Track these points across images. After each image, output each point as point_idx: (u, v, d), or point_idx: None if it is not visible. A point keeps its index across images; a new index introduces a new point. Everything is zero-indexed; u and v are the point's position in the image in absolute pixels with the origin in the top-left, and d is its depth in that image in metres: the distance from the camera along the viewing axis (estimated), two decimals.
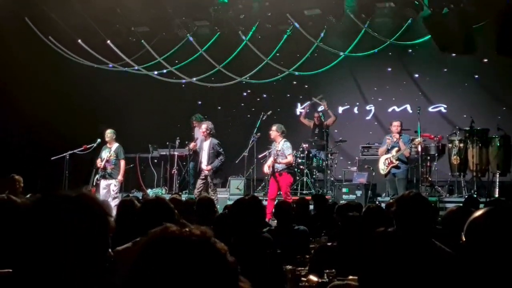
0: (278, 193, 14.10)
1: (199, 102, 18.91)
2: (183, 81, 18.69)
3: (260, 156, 14.72)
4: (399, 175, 14.49)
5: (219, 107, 18.98)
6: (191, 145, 14.95)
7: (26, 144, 17.09)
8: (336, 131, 17.69)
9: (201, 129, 14.46)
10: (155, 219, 4.50)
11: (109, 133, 14.90)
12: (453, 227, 5.24)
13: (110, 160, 14.67)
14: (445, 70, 16.95)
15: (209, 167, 14.07)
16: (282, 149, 13.96)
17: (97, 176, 14.88)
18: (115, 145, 14.86)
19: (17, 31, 17.00)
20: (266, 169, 14.32)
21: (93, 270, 2.20)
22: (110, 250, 2.40)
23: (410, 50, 17.28)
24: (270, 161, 14.13)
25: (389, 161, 14.55)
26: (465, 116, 15.47)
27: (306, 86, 18.60)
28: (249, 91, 18.69)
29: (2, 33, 16.52)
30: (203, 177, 14.30)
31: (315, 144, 16.52)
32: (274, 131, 14.10)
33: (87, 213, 2.18)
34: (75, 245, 2.11)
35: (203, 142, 14.42)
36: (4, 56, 16.39)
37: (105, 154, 14.76)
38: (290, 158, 14.13)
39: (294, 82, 18.54)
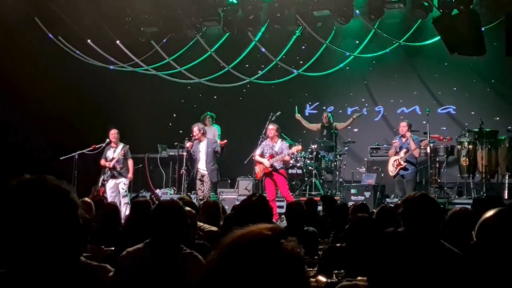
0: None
1: (207, 105, 18.89)
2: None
3: (254, 154, 14.60)
4: (407, 177, 14.44)
5: (228, 108, 18.98)
6: (188, 144, 14.93)
7: (36, 144, 17.13)
8: (344, 130, 17.71)
9: (194, 132, 14.42)
10: (168, 222, 4.52)
11: (115, 133, 14.89)
12: (458, 228, 5.24)
13: (119, 160, 14.69)
14: (455, 71, 16.90)
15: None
16: (281, 149, 13.94)
17: (103, 176, 14.88)
18: (121, 145, 14.87)
19: (27, 31, 17.05)
20: (257, 169, 14.28)
21: (64, 248, 2.24)
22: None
23: (419, 51, 17.23)
24: (268, 162, 13.96)
25: (398, 163, 14.52)
26: (474, 117, 15.44)
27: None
28: (257, 91, 18.66)
29: (12, 33, 16.58)
30: (200, 177, 14.35)
31: (324, 145, 16.51)
32: (274, 130, 14.06)
33: (50, 192, 2.22)
34: (42, 224, 2.16)
35: (198, 145, 14.42)
36: (13, 56, 16.43)
37: (111, 153, 14.76)
38: (288, 158, 14.13)
39: (303, 83, 18.52)
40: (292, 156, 14.85)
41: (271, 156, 13.89)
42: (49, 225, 2.19)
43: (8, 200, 2.20)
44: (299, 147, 14.37)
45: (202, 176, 14.31)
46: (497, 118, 15.87)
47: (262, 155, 14.06)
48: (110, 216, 7.69)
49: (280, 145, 14.03)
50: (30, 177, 2.28)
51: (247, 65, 18.21)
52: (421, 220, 4.45)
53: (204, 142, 14.33)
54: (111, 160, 14.65)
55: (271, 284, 1.65)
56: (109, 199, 14.11)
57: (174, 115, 19.26)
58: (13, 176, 2.32)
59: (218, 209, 8.50)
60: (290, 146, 14.37)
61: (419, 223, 4.43)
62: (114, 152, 14.74)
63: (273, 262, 1.67)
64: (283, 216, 9.80)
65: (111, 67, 18.38)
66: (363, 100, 18.40)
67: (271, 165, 13.84)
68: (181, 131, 16.91)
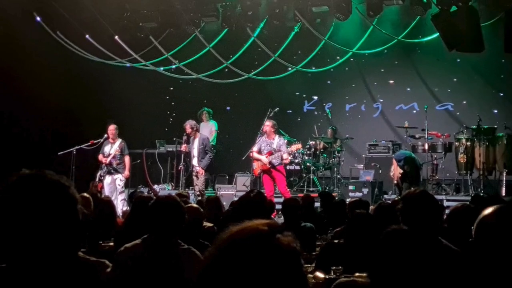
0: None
1: (205, 101, 18.84)
2: (185, 77, 18.69)
3: (251, 151, 14.55)
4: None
5: (226, 104, 18.97)
6: (183, 147, 14.97)
7: (34, 139, 17.11)
8: (343, 126, 17.73)
9: (187, 129, 14.42)
10: (166, 217, 4.52)
11: (113, 129, 14.84)
12: (458, 225, 5.24)
13: (116, 156, 14.67)
14: (453, 68, 16.90)
15: (200, 169, 14.16)
16: (279, 145, 13.92)
17: (100, 172, 14.86)
18: (119, 141, 14.83)
19: (26, 26, 17.00)
20: (255, 166, 14.26)
21: (63, 242, 2.24)
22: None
23: (418, 48, 17.23)
24: (267, 159, 13.91)
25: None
26: (472, 114, 15.44)
27: (325, 82, 18.61)
28: (256, 87, 18.64)
29: (11, 27, 16.53)
30: (195, 173, 14.35)
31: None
32: (270, 127, 13.98)
33: (49, 187, 2.23)
34: (43, 220, 2.17)
35: (193, 141, 14.42)
36: (12, 50, 16.40)
37: (108, 149, 14.73)
38: (287, 156, 14.07)
39: (301, 79, 18.50)
40: (291, 154, 14.81)
41: (270, 153, 13.84)
42: (48, 220, 2.20)
43: (8, 195, 2.20)
44: (299, 145, 14.36)
45: (197, 172, 14.34)
46: (495, 115, 15.86)
47: (259, 152, 14.01)
48: (106, 212, 7.71)
49: (278, 141, 13.97)
50: (29, 172, 2.28)
51: (245, 61, 18.18)
52: (420, 216, 4.45)
53: (197, 139, 14.32)
54: (108, 156, 14.64)
55: (269, 278, 1.65)
56: (107, 194, 14.18)
57: (172, 111, 19.23)
58: (11, 171, 2.32)
59: (220, 204, 8.65)
60: (289, 143, 14.35)
61: (418, 219, 4.43)
62: (112, 148, 14.72)
63: (269, 257, 1.67)
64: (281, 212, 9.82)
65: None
66: (361, 96, 18.39)
67: (270, 162, 13.80)
68: (179, 127, 16.89)
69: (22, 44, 16.57)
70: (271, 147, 13.87)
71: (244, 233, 1.74)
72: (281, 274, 1.67)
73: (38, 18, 17.49)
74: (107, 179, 14.68)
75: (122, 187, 14.76)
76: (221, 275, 1.67)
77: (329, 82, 18.43)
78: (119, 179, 14.72)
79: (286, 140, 14.37)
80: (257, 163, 14.13)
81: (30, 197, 2.19)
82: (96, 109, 17.62)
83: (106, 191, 14.45)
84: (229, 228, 1.79)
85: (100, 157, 14.75)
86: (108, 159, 14.59)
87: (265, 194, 12.64)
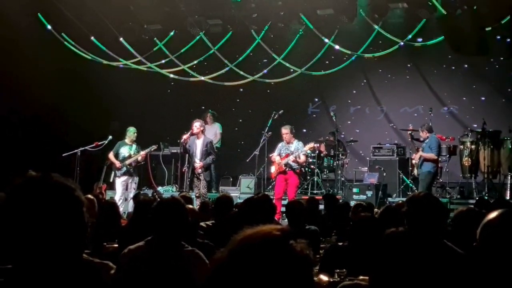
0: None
1: (211, 101, 18.83)
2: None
3: (270, 155, 14.58)
4: (421, 176, 14.18)
5: (231, 106, 18.97)
6: (185, 136, 14.72)
7: (38, 141, 17.13)
8: (347, 129, 17.71)
9: (195, 126, 14.26)
10: (169, 219, 4.52)
11: (134, 132, 15.01)
12: (463, 228, 5.23)
13: (135, 160, 14.81)
14: (458, 71, 16.88)
15: (201, 163, 14.05)
16: (297, 149, 13.94)
17: (115, 172, 14.88)
18: (135, 144, 14.95)
19: (30, 27, 17.04)
20: (273, 169, 14.27)
21: (71, 247, 2.25)
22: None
23: (423, 51, 17.20)
24: (283, 161, 13.94)
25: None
26: (477, 117, 15.42)
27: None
28: (260, 90, 18.65)
29: (16, 28, 16.56)
30: (197, 174, 14.26)
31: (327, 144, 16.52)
32: (289, 134, 14.03)
33: (55, 190, 2.24)
34: (49, 223, 2.18)
35: (196, 140, 14.26)
36: (16, 52, 16.42)
37: (124, 150, 14.77)
38: (304, 158, 14.13)
39: (306, 82, 18.49)
40: (306, 153, 14.77)
41: (287, 156, 13.89)
42: (54, 222, 2.20)
43: (14, 198, 2.21)
44: (311, 144, 14.37)
45: (199, 174, 14.23)
46: (500, 119, 15.82)
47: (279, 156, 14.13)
48: (110, 214, 7.73)
49: (296, 145, 14.02)
50: (35, 175, 2.29)
51: (250, 63, 18.17)
52: (425, 219, 4.44)
53: (201, 140, 14.15)
54: (125, 158, 14.66)
55: (279, 284, 1.66)
56: (118, 194, 14.56)
57: (176, 113, 19.23)
58: (16, 173, 2.33)
59: (231, 204, 8.60)
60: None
61: (423, 222, 4.43)
62: (130, 150, 14.80)
63: (282, 262, 1.68)
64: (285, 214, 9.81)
65: (121, 65, 18.39)
66: (365, 99, 18.38)
67: (287, 164, 13.83)
68: (183, 129, 16.88)
69: (26, 46, 16.58)
70: (289, 150, 13.92)
71: (258, 237, 1.75)
72: (292, 281, 1.68)
73: (41, 18, 17.54)
74: (121, 179, 14.72)
75: (136, 187, 14.85)
76: (233, 278, 1.68)
77: (333, 84, 18.41)
78: (134, 182, 14.97)
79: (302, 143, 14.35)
80: (275, 165, 14.17)
81: (36, 200, 2.20)
82: (100, 110, 17.65)
83: (118, 190, 14.58)
84: (242, 231, 1.79)
85: (112, 157, 14.73)
86: (129, 161, 14.64)
87: (273, 197, 12.77)
